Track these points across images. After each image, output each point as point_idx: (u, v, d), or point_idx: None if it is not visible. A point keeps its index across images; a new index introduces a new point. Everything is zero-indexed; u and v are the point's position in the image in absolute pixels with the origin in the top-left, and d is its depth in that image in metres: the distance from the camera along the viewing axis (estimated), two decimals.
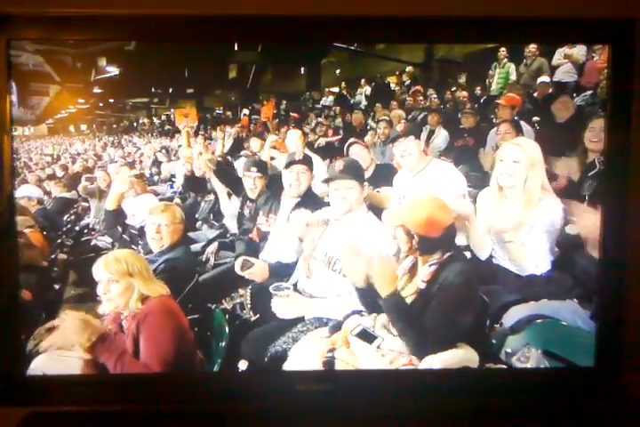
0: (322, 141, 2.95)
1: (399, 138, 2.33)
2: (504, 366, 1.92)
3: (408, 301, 1.90)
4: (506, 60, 2.64)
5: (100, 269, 1.92)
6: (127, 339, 1.94)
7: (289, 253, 2.38)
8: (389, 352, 1.88)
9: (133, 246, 2.48)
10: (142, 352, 1.91)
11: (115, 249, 2.17)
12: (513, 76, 2.66)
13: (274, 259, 2.42)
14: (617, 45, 1.79)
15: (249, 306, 2.27)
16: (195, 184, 2.91)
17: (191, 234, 2.69)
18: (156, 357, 1.90)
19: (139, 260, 1.99)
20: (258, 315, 2.25)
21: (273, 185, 2.59)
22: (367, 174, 2.53)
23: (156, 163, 3.13)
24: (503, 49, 2.63)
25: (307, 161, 2.45)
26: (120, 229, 2.52)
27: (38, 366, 1.90)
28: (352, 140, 2.62)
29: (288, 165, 2.45)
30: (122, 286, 1.92)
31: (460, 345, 1.86)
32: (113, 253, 2.00)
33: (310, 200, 2.40)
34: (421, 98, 2.86)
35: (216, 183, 2.80)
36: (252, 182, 2.61)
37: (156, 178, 3.08)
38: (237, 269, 2.38)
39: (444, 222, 1.89)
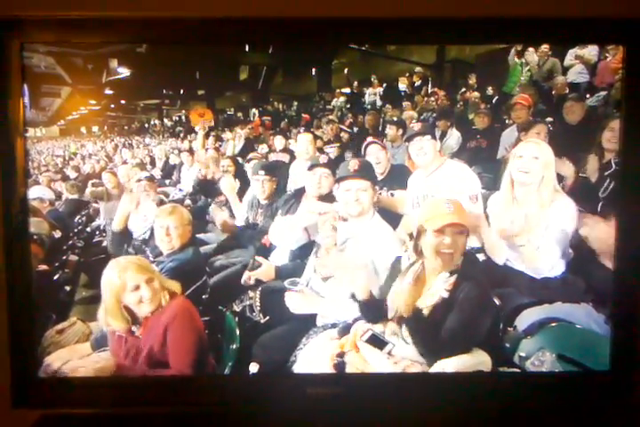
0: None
1: (415, 137, 2.31)
2: (517, 370, 1.90)
3: (425, 313, 1.86)
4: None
5: (132, 275, 1.90)
6: (146, 344, 1.94)
7: (293, 240, 2.38)
8: (402, 360, 1.86)
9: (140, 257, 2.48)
10: (172, 352, 1.92)
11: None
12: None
13: (279, 246, 2.43)
14: (632, 46, 1.77)
15: (258, 308, 2.26)
16: (206, 186, 2.91)
17: (202, 236, 2.68)
18: (185, 357, 1.92)
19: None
20: (267, 317, 2.24)
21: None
22: (383, 175, 2.54)
23: (168, 164, 3.13)
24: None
25: (331, 165, 2.43)
26: (126, 245, 2.53)
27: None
28: (370, 139, 2.60)
29: (311, 168, 2.45)
30: (157, 284, 1.93)
31: (473, 349, 1.84)
32: (123, 259, 1.99)
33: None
34: (434, 99, 2.84)
35: (226, 185, 2.80)
36: (261, 185, 2.62)
37: (167, 181, 3.08)
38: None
39: (466, 224, 1.88)
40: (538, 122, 2.41)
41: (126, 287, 1.90)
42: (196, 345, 1.95)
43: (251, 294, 2.31)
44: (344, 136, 2.89)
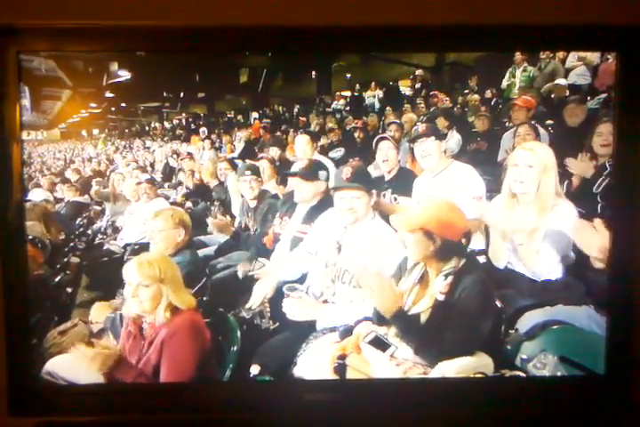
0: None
1: (419, 138, 2.31)
2: (515, 375, 1.89)
3: (423, 317, 1.85)
4: (526, 63, 2.61)
5: (131, 272, 1.88)
6: (148, 349, 1.92)
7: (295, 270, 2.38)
8: (404, 362, 1.85)
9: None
10: (163, 369, 1.89)
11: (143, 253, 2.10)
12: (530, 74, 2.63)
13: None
14: (624, 53, 1.76)
15: (268, 315, 2.23)
16: (202, 190, 2.93)
17: (203, 238, 2.69)
18: (177, 375, 1.89)
19: (172, 267, 1.96)
20: (277, 323, 2.21)
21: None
22: (390, 175, 2.54)
23: (168, 167, 3.14)
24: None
25: (313, 169, 2.43)
26: None
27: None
28: (382, 135, 2.58)
29: (290, 176, 2.49)
30: (151, 292, 1.88)
31: (475, 352, 1.84)
32: (146, 255, 1.96)
33: (324, 206, 2.37)
34: (435, 101, 2.83)
35: (232, 181, 2.82)
36: (249, 186, 2.67)
37: (166, 184, 3.09)
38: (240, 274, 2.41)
39: (463, 227, 1.86)
40: (522, 124, 2.42)
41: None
42: (191, 366, 1.89)
43: (259, 299, 2.27)
44: (359, 136, 2.88)
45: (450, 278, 1.82)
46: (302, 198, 2.45)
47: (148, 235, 2.29)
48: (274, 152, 2.91)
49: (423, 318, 1.85)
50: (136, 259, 1.91)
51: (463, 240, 1.86)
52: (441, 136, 2.38)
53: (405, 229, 1.90)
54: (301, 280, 2.31)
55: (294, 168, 2.47)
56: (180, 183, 3.05)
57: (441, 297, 1.82)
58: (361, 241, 2.15)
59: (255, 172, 2.69)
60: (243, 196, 2.78)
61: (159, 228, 2.27)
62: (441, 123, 2.70)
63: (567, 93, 2.52)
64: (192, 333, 1.91)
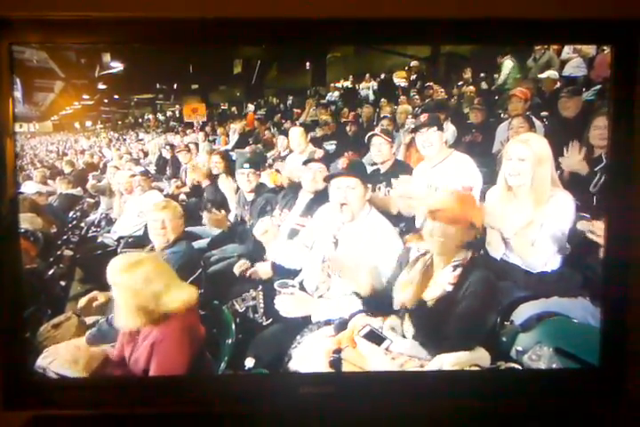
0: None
1: (422, 128, 2.32)
2: (510, 367, 1.90)
3: (423, 308, 1.88)
4: (508, 56, 2.61)
5: (111, 272, 1.89)
6: (142, 344, 1.93)
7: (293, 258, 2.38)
8: (399, 355, 1.86)
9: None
10: (152, 369, 1.90)
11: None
12: (506, 71, 2.61)
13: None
14: (620, 47, 1.77)
15: (262, 310, 2.24)
16: (198, 190, 2.93)
17: (196, 230, 2.68)
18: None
19: (161, 267, 1.95)
20: (270, 319, 2.21)
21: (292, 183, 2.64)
22: (384, 169, 2.54)
23: (161, 159, 3.12)
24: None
25: (326, 160, 2.46)
26: None
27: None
28: (375, 131, 2.57)
29: (306, 163, 2.48)
30: (131, 300, 1.88)
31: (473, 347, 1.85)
32: (131, 260, 1.92)
33: (323, 198, 2.36)
34: (431, 92, 2.81)
35: (225, 185, 2.80)
36: (246, 178, 2.67)
37: (162, 176, 3.07)
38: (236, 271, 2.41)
39: (474, 224, 1.89)
40: (516, 116, 2.42)
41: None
42: (181, 367, 1.91)
43: (253, 293, 2.29)
44: (351, 129, 2.87)
45: (458, 270, 1.83)
46: (315, 188, 2.47)
47: (159, 226, 2.29)
48: (280, 142, 2.89)
49: (421, 310, 1.86)
50: (118, 264, 1.90)
51: (472, 234, 1.90)
52: (442, 126, 2.39)
53: (425, 210, 1.93)
54: (296, 273, 2.31)
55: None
56: (176, 176, 3.04)
57: (449, 288, 1.85)
58: (358, 236, 2.16)
59: (254, 165, 2.68)
60: (239, 188, 2.77)
61: (169, 217, 2.30)
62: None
63: (562, 85, 2.51)
64: (182, 337, 1.92)
